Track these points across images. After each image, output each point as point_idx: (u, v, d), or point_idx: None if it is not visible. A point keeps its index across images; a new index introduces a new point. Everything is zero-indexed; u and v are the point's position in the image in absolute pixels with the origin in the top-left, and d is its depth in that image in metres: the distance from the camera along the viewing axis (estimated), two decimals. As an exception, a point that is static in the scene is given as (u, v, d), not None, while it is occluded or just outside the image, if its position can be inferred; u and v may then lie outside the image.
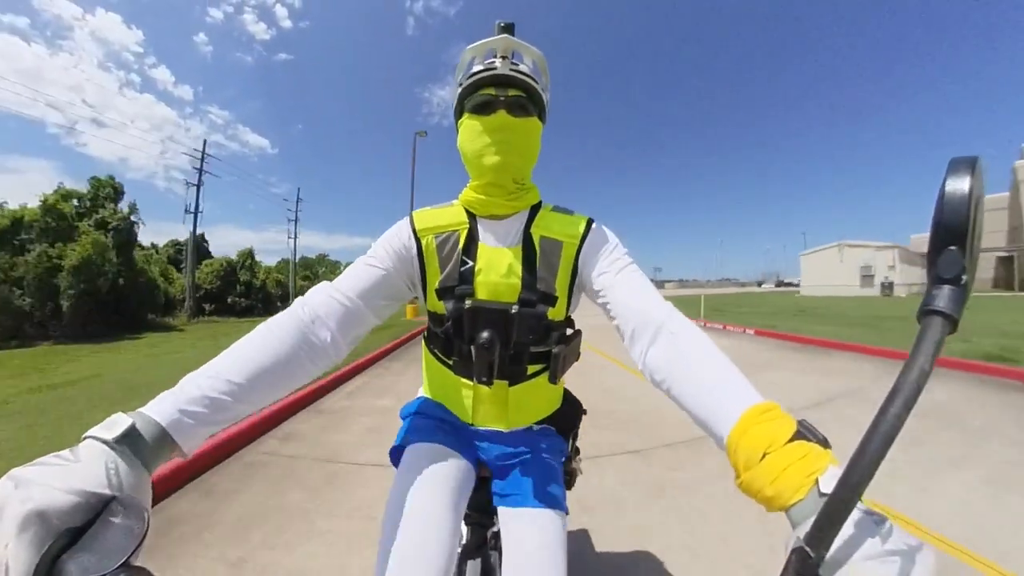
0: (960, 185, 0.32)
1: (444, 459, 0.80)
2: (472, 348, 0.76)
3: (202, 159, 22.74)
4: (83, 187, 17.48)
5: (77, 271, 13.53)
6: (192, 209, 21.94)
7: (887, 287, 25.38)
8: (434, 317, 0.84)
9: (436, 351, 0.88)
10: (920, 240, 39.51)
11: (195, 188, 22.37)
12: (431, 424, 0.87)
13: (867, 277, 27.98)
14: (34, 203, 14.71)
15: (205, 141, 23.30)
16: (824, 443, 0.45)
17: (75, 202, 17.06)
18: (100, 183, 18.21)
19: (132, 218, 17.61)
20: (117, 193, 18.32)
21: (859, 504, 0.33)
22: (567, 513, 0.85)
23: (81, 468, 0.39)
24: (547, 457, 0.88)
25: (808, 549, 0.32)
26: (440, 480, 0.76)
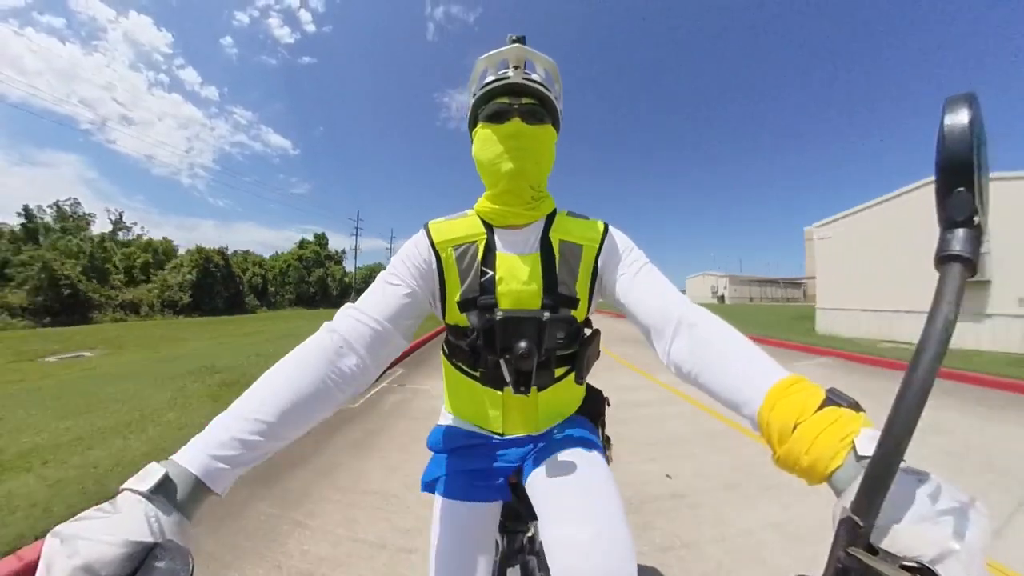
0: (960, 120, 0.30)
1: (475, 515, 0.82)
2: (503, 360, 0.75)
3: (357, 221, 44.66)
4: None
5: (340, 279, 35.45)
6: (354, 247, 44.74)
7: (720, 299, 46.72)
8: (456, 330, 0.82)
9: (460, 364, 0.86)
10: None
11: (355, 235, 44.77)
12: (459, 476, 0.86)
13: (715, 293, 49.95)
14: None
15: (359, 212, 46.58)
16: (855, 406, 0.43)
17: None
18: (319, 236, 40.05)
19: (342, 252, 41.05)
20: (326, 238, 40.58)
21: (901, 464, 0.31)
22: (604, 455, 0.85)
23: (122, 519, 0.39)
24: (577, 431, 0.88)
25: (856, 518, 0.31)
26: (473, 532, 0.81)
